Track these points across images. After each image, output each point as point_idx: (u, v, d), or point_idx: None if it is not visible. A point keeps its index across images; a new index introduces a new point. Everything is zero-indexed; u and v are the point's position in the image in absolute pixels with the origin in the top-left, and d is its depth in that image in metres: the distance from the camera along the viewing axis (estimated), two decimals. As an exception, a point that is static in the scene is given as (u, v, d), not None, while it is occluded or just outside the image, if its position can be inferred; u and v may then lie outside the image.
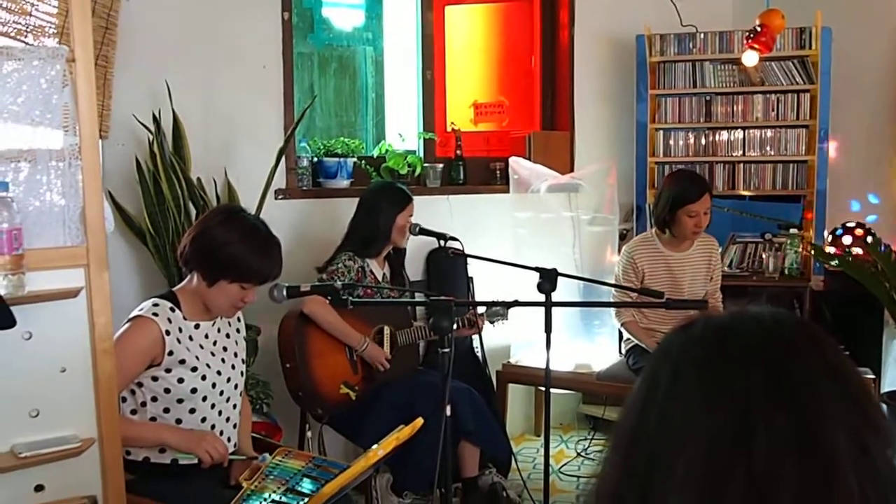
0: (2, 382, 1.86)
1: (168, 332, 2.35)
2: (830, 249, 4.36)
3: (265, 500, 2.22)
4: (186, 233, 2.50)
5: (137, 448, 2.36)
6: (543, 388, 2.82)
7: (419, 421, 2.32)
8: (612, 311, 4.00)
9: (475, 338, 3.97)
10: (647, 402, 0.82)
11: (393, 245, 3.57)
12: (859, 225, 4.46)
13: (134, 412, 2.38)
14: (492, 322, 3.59)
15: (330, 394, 3.34)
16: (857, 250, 4.29)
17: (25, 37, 2.19)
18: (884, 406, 4.06)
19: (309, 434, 3.37)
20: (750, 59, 4.28)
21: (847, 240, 4.39)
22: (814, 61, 4.54)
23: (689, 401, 0.79)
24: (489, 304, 3.52)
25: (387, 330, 3.49)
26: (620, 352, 4.26)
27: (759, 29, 4.13)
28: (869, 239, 4.29)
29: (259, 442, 2.75)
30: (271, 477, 2.30)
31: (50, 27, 2.21)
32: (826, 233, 4.55)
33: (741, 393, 0.77)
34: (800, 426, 0.74)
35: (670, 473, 0.76)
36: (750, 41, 4.18)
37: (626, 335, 4.03)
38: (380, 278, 3.55)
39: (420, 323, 3.60)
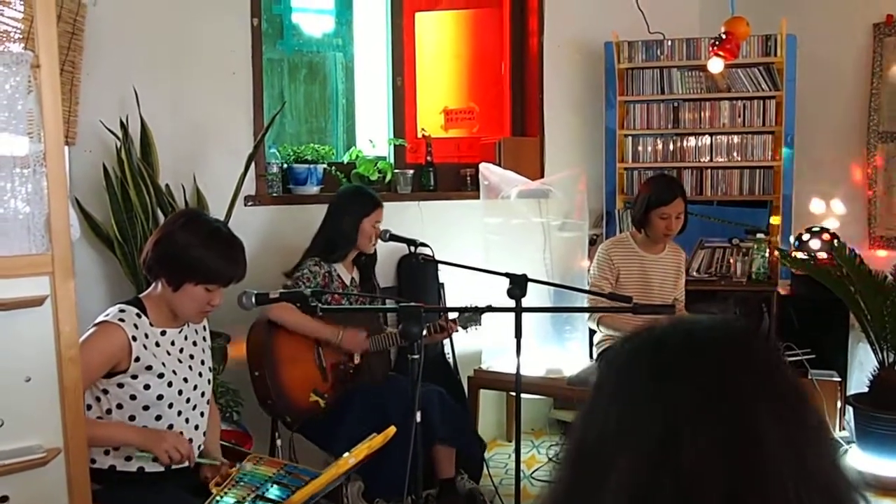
0: (-35, 392, 1.83)
1: (135, 338, 2.33)
2: (797, 254, 4.42)
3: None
4: (148, 239, 2.49)
5: (103, 456, 2.33)
6: (515, 394, 2.83)
7: (392, 429, 2.32)
8: (586, 315, 4.03)
9: (446, 344, 3.97)
10: (592, 412, 0.84)
11: (359, 250, 3.55)
12: (825, 230, 4.52)
13: (100, 419, 2.35)
14: (465, 327, 3.59)
15: (299, 402, 3.32)
16: (823, 255, 4.35)
17: (-10, 42, 2.16)
18: (849, 408, 4.12)
19: (279, 442, 3.35)
20: (715, 66, 4.33)
21: (813, 244, 4.45)
22: (779, 68, 4.61)
23: (626, 409, 0.81)
24: (459, 310, 3.52)
25: (357, 336, 3.48)
26: (591, 356, 4.29)
27: (724, 36, 4.19)
28: (835, 243, 4.35)
29: (229, 450, 2.73)
30: (242, 483, 2.28)
31: (15, 32, 2.18)
32: (792, 237, 4.61)
33: (671, 399, 0.78)
34: (730, 428, 0.76)
35: (607, 481, 0.77)
36: (715, 48, 4.23)
37: (597, 339, 4.06)
38: (347, 283, 3.53)
39: (392, 329, 3.59)
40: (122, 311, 2.37)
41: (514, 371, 2.71)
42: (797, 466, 0.75)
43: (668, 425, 0.76)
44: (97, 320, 2.37)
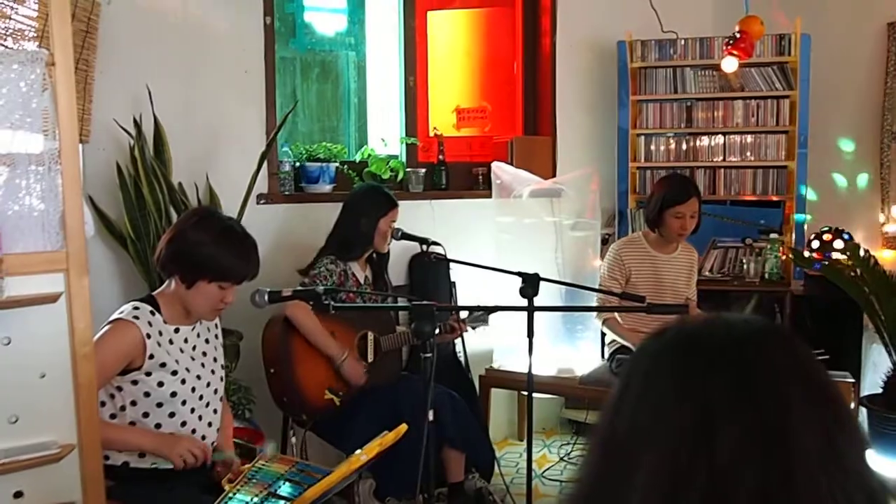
0: (-20, 388, 1.85)
1: (149, 336, 2.34)
2: (807, 253, 4.39)
3: (246, 503, 2.21)
4: (162, 237, 2.50)
5: (116, 453, 2.34)
6: (526, 393, 2.83)
7: (403, 427, 2.32)
8: (594, 312, 4.03)
9: (458, 343, 3.96)
10: (619, 407, 0.84)
11: (374, 250, 3.56)
12: (838, 230, 4.49)
13: (113, 416, 2.36)
14: (473, 327, 3.59)
15: (315, 399, 3.32)
16: (837, 255, 4.32)
17: (5, 40, 2.17)
18: (863, 409, 4.09)
19: (293, 440, 3.36)
20: (729, 65, 4.31)
21: (826, 245, 4.42)
22: (793, 67, 4.59)
23: (657, 404, 0.80)
24: (471, 309, 3.52)
25: (370, 335, 3.49)
26: (603, 356, 4.28)
27: (738, 35, 4.16)
28: (835, 244, 4.32)
29: (241, 448, 2.73)
30: (254, 480, 2.29)
31: (30, 31, 2.19)
32: (806, 238, 4.58)
33: (705, 395, 0.78)
34: (763, 428, 0.75)
35: (637, 475, 0.77)
36: (729, 48, 4.20)
37: (608, 338, 4.05)
38: (361, 280, 3.54)
39: (403, 328, 3.59)
40: (136, 308, 2.38)
41: (525, 370, 2.71)
42: (830, 465, 0.75)
43: (701, 421, 0.76)
44: (111, 318, 2.38)
